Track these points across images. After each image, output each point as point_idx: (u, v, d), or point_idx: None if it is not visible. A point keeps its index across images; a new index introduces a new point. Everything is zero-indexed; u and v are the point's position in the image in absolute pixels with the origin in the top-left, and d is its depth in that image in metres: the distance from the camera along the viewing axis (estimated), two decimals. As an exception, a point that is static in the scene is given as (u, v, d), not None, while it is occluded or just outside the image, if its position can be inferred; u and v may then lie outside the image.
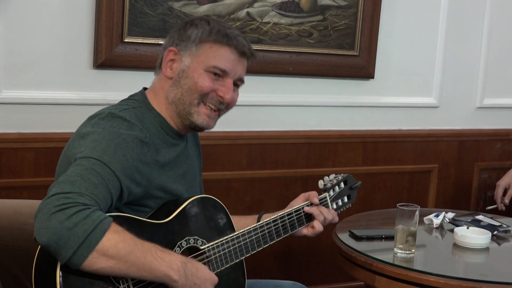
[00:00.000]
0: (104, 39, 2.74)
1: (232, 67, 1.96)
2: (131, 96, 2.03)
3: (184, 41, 1.96)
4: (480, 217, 2.85)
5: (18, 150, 2.68)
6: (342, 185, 2.33)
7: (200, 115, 1.96)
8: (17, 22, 2.62)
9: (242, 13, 3.01)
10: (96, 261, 1.62)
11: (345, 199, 2.35)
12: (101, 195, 1.69)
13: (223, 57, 1.95)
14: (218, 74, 1.95)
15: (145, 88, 2.05)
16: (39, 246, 1.70)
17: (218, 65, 1.94)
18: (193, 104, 1.95)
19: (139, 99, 1.99)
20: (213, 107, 1.97)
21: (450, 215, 2.81)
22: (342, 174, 2.36)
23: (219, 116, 2.02)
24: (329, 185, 2.30)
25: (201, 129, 1.99)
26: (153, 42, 2.82)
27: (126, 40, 2.77)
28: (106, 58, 2.75)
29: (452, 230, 2.62)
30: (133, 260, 1.66)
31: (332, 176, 2.34)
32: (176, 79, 1.96)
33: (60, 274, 1.63)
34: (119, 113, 1.87)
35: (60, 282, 1.63)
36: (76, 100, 2.74)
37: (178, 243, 1.88)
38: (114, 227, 1.65)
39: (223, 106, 1.99)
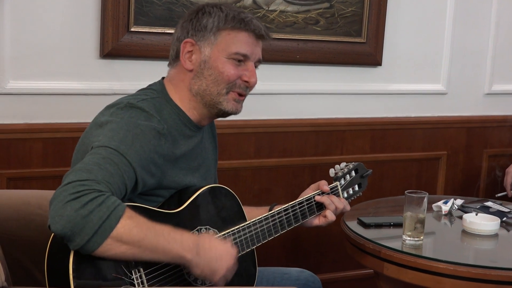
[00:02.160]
0: (110, 28, 2.73)
1: (252, 51, 1.98)
2: (149, 85, 2.03)
3: (201, 31, 1.96)
4: (489, 203, 2.84)
5: (26, 141, 2.68)
6: (353, 173, 2.33)
7: (229, 102, 1.97)
8: (23, 13, 2.62)
9: (249, 1, 3.00)
10: (110, 247, 1.63)
11: (356, 187, 2.34)
12: (116, 185, 1.70)
13: (242, 42, 1.96)
14: (240, 60, 1.96)
15: (163, 78, 2.05)
16: (51, 237, 1.71)
17: (240, 50, 1.95)
18: (221, 94, 1.96)
19: (158, 89, 1.99)
20: (241, 92, 1.99)
21: (459, 202, 2.81)
22: (353, 163, 2.35)
23: (244, 99, 2.03)
24: (340, 173, 2.29)
25: (229, 114, 2.01)
26: (159, 31, 2.81)
27: (132, 30, 2.77)
28: (113, 48, 2.75)
29: (461, 217, 2.62)
30: (147, 245, 1.67)
31: (343, 164, 2.33)
32: (198, 71, 1.96)
33: (73, 264, 1.64)
34: (138, 104, 1.87)
35: (72, 272, 1.64)
36: (83, 90, 2.74)
37: (191, 233, 1.88)
38: (128, 213, 1.66)
39: (248, 90, 2.01)
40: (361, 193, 2.36)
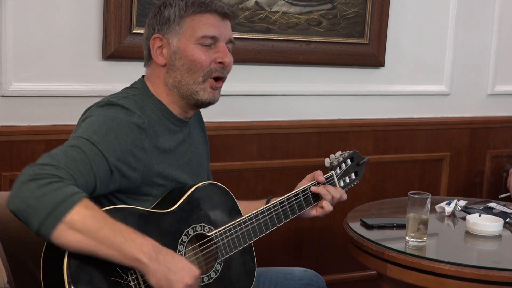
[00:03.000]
0: (113, 30, 2.74)
1: (219, 31, 1.95)
2: (132, 84, 2.03)
3: (165, 24, 1.95)
4: (492, 204, 2.84)
5: (28, 143, 2.69)
6: (348, 162, 2.30)
7: (205, 90, 1.95)
8: (26, 15, 2.62)
9: (251, 3, 3.00)
10: (64, 234, 1.59)
11: (353, 176, 2.31)
12: (80, 172, 1.68)
13: (207, 24, 1.94)
14: (209, 44, 1.94)
15: (143, 76, 2.05)
16: (46, 242, 1.70)
17: (206, 33, 1.93)
18: (197, 82, 1.94)
19: (139, 86, 1.99)
20: (218, 75, 1.96)
21: (462, 203, 2.80)
22: (348, 151, 2.33)
23: (222, 85, 2.01)
24: (335, 162, 2.27)
25: (208, 104, 1.99)
26: (162, 32, 2.81)
27: (134, 31, 2.77)
28: (115, 50, 2.75)
29: (464, 218, 2.61)
30: (102, 238, 1.62)
31: (338, 153, 2.30)
32: (171, 63, 1.95)
33: (67, 268, 1.63)
34: (118, 101, 1.87)
35: (67, 275, 1.63)
36: (85, 91, 2.74)
37: (185, 231, 1.88)
38: (86, 202, 1.63)
39: (226, 72, 1.98)
40: (358, 181, 2.33)
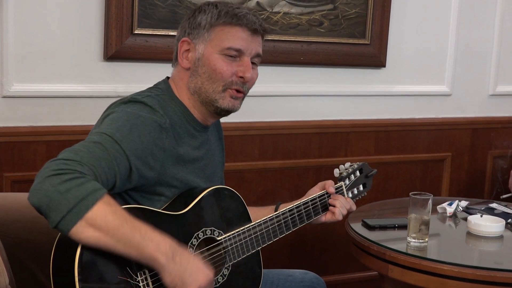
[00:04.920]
0: (114, 31, 2.74)
1: (246, 45, 1.94)
2: (155, 84, 2.03)
3: (196, 29, 1.95)
4: (494, 205, 2.84)
5: (30, 143, 2.69)
6: (357, 173, 2.32)
7: (225, 99, 1.94)
8: (27, 16, 2.62)
9: (252, 3, 3.00)
10: (83, 230, 1.60)
11: (361, 187, 2.33)
12: (102, 169, 1.68)
13: (235, 36, 1.93)
14: (234, 55, 1.93)
15: (168, 77, 2.05)
16: (56, 240, 1.71)
17: (232, 45, 1.93)
18: (216, 92, 1.93)
19: (163, 87, 1.99)
20: (238, 89, 1.95)
21: (464, 203, 2.80)
22: (357, 163, 2.35)
23: (243, 98, 2.00)
24: (344, 173, 2.29)
25: (228, 112, 1.98)
26: (163, 33, 2.82)
27: (136, 32, 2.77)
28: (117, 50, 2.75)
29: (465, 219, 2.61)
30: (121, 236, 1.63)
31: (347, 164, 2.33)
32: (194, 69, 1.95)
33: (78, 266, 1.63)
34: (141, 99, 1.87)
35: (78, 275, 1.63)
36: (87, 92, 2.74)
37: (195, 235, 1.88)
38: (107, 199, 1.63)
39: (246, 87, 1.97)
40: (365, 193, 2.36)
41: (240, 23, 1.93)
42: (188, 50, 1.97)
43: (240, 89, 1.96)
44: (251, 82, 1.98)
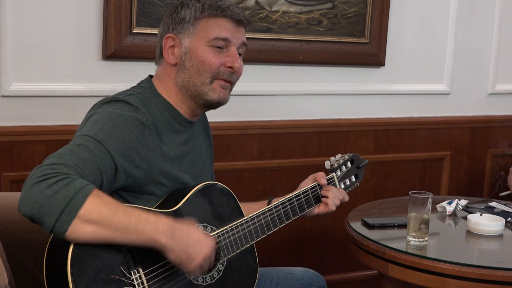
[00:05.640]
0: (113, 30, 2.73)
1: (232, 35, 1.96)
2: (139, 83, 2.04)
3: (180, 24, 1.96)
4: (493, 203, 2.84)
5: (28, 143, 2.68)
6: (348, 164, 2.31)
7: (215, 91, 1.96)
8: (26, 15, 2.62)
9: (251, 2, 3.00)
10: (79, 227, 1.60)
11: (353, 178, 2.33)
12: (88, 170, 1.69)
13: (221, 27, 1.95)
14: (220, 46, 1.95)
15: (151, 76, 2.05)
16: (49, 240, 1.71)
17: (219, 35, 1.94)
18: (205, 84, 1.95)
19: (146, 85, 2.00)
20: (226, 79, 1.97)
21: (463, 202, 2.80)
22: (348, 154, 2.35)
23: (231, 89, 2.01)
24: (335, 165, 2.29)
25: (218, 104, 1.99)
26: (162, 32, 2.81)
27: (134, 31, 2.77)
28: (115, 50, 2.75)
29: (465, 217, 2.61)
30: (117, 224, 1.64)
31: (338, 156, 2.32)
32: (181, 63, 1.96)
33: (71, 267, 1.63)
34: (123, 98, 1.88)
35: (71, 276, 1.63)
36: (86, 92, 2.74)
37: None
38: (96, 192, 1.64)
39: (234, 77, 1.99)
40: (358, 184, 2.35)
41: (225, 14, 1.95)
42: (173, 46, 1.97)
43: (228, 79, 1.97)
44: (239, 72, 2.00)
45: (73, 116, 2.73)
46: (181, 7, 1.98)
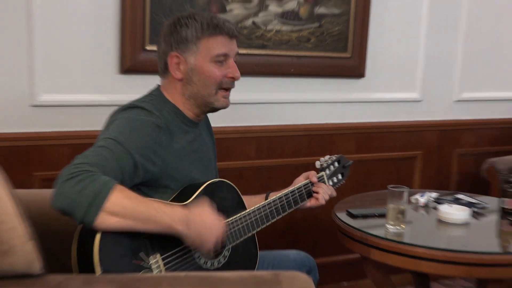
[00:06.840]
0: (129, 47, 2.73)
1: (229, 49, 1.99)
2: (150, 92, 2.06)
3: (183, 43, 1.96)
4: (460, 196, 2.84)
5: (55, 146, 2.68)
6: (336, 164, 2.35)
7: (219, 100, 2.01)
8: (52, 35, 2.62)
9: (249, 22, 3.00)
10: (105, 219, 1.62)
11: (340, 176, 2.36)
12: (110, 168, 1.70)
13: (220, 44, 1.97)
14: (222, 60, 1.98)
15: (159, 85, 2.07)
16: (79, 229, 1.71)
17: (219, 52, 1.97)
18: (211, 95, 1.99)
19: (157, 94, 2.02)
20: (227, 87, 2.02)
21: (434, 194, 2.81)
22: (335, 155, 2.38)
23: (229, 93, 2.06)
24: (325, 165, 2.32)
25: (221, 109, 2.05)
26: (171, 49, 2.81)
27: (147, 48, 2.76)
28: (131, 64, 2.75)
29: (436, 208, 2.61)
30: (138, 215, 1.66)
31: (327, 157, 2.36)
32: (188, 78, 1.98)
33: (99, 251, 1.64)
34: (139, 104, 1.91)
35: (99, 260, 1.64)
36: (105, 101, 2.73)
37: None
38: (119, 187, 1.65)
39: (233, 84, 2.03)
40: (344, 181, 2.38)
41: (222, 32, 1.97)
42: (178, 63, 1.98)
43: (229, 87, 2.03)
44: (238, 79, 2.04)
45: (94, 122, 2.72)
46: (180, 26, 1.97)
